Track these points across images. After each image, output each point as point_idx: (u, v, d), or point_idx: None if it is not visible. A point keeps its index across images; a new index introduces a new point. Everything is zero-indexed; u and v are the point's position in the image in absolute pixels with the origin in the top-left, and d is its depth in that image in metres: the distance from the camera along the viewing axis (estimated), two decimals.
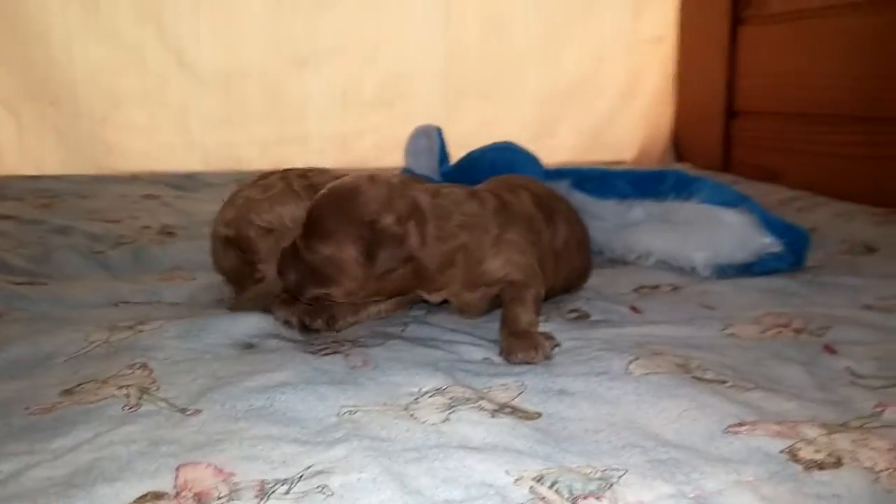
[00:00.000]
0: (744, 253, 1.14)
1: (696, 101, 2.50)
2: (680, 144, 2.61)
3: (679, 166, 2.46)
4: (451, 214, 0.86)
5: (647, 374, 0.70)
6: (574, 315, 0.95)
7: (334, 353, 0.79)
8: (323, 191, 0.86)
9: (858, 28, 1.87)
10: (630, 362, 0.72)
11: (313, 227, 0.83)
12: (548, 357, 0.76)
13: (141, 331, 0.82)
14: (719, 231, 1.16)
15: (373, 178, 0.86)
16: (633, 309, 0.97)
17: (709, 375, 0.70)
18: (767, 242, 1.14)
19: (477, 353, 0.79)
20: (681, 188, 1.25)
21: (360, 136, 2.37)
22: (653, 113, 2.60)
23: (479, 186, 0.99)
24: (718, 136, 2.39)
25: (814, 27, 2.02)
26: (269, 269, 0.96)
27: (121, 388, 0.67)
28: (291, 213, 0.99)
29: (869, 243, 1.34)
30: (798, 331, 0.87)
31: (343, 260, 0.81)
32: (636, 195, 1.30)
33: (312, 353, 0.79)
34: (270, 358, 0.77)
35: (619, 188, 1.32)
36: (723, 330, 0.87)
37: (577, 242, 0.99)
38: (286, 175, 1.08)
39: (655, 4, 2.53)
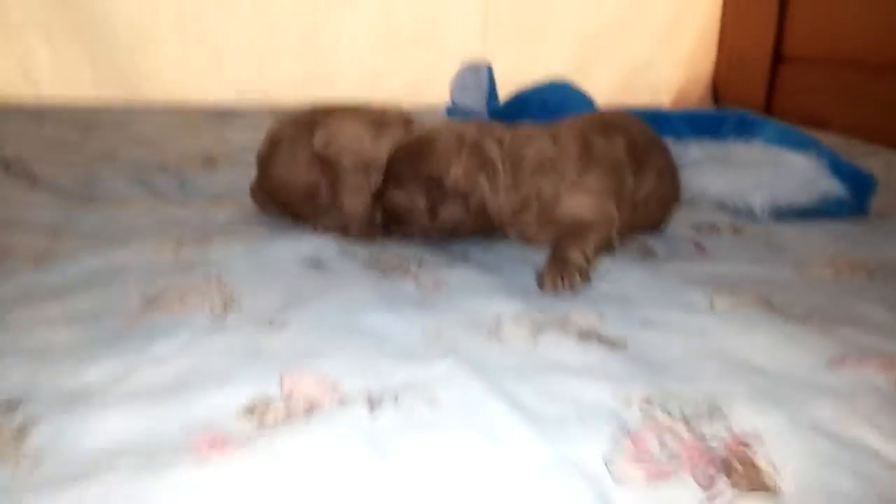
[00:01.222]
0: (807, 196, 1.11)
1: (741, 46, 2.44)
2: (720, 89, 2.55)
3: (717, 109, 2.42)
4: (523, 160, 0.86)
5: (731, 308, 0.68)
6: (639, 251, 0.93)
7: (404, 273, 0.77)
8: (402, 141, 0.90)
9: None
10: (712, 297, 0.71)
11: (390, 174, 0.88)
12: (573, 287, 0.74)
13: (208, 248, 0.81)
14: (782, 172, 1.14)
15: (449, 128, 0.88)
16: (698, 246, 0.95)
17: (795, 311, 0.69)
18: (833, 187, 1.11)
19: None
20: (742, 129, 1.22)
21: (391, 74, 2.33)
22: (695, 56, 2.53)
23: (572, 122, 0.96)
24: (762, 82, 2.33)
25: None
26: (349, 202, 0.94)
27: (204, 299, 0.66)
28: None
29: None
30: (872, 272, 0.85)
31: (412, 210, 0.86)
32: (694, 134, 1.26)
33: (382, 273, 0.77)
34: (342, 276, 0.76)
35: (676, 127, 1.29)
36: (797, 270, 0.85)
37: (659, 197, 0.96)
38: (388, 114, 1.03)
39: None
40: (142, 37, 2.11)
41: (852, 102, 2.02)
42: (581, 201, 0.86)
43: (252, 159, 1.43)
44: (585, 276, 0.77)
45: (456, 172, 0.84)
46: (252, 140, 1.59)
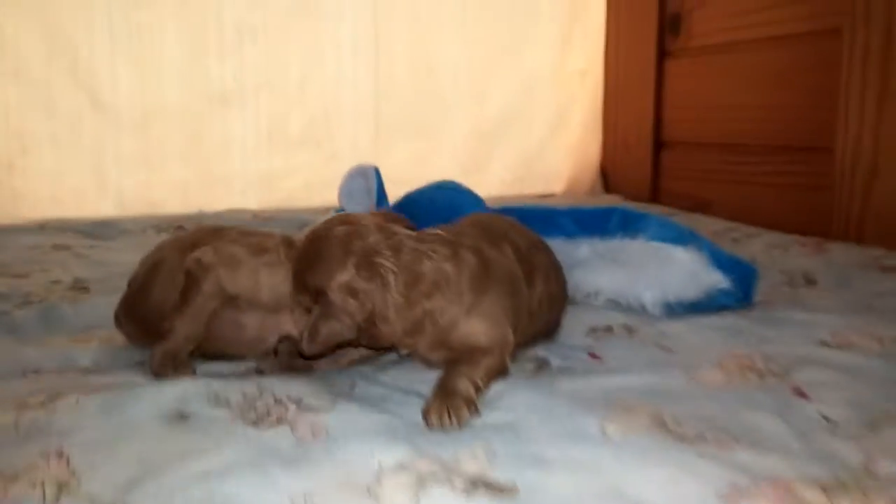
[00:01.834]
0: (694, 290, 1.12)
1: (623, 133, 2.53)
2: (608, 175, 2.63)
3: (609, 198, 2.48)
4: (419, 279, 0.80)
5: (624, 435, 0.65)
6: (533, 365, 0.89)
7: (279, 422, 0.71)
8: (305, 237, 0.85)
9: (779, 60, 1.93)
10: (604, 421, 0.67)
11: (294, 274, 0.84)
12: (461, 422, 0.69)
13: (54, 409, 0.73)
14: (669, 269, 1.14)
15: (341, 229, 0.82)
16: (592, 355, 0.93)
17: (688, 432, 0.66)
18: (717, 279, 1.12)
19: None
20: (627, 226, 1.23)
21: (286, 176, 2.29)
22: (581, 145, 2.62)
23: (458, 228, 0.92)
24: (647, 167, 2.42)
25: (736, 60, 2.08)
26: (179, 325, 0.89)
27: (35, 484, 0.57)
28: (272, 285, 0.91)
29: (808, 275, 1.35)
30: (762, 373, 0.84)
31: (311, 328, 0.80)
32: (581, 233, 1.27)
33: (254, 423, 0.71)
34: (208, 432, 0.68)
35: (564, 226, 1.29)
36: (688, 376, 0.83)
37: (549, 298, 0.94)
38: (280, 243, 0.96)
39: (581, 38, 2.56)
40: (10, 151, 2.01)
41: (730, 185, 2.11)
42: (476, 327, 0.82)
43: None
44: (474, 409, 0.72)
45: (340, 285, 0.78)
46: (132, 262, 1.51)
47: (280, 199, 2.26)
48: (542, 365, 0.90)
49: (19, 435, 0.68)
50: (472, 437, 0.67)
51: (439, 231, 0.87)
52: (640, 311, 1.15)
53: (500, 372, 0.82)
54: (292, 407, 0.74)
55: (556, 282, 0.96)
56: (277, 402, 0.76)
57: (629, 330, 1.05)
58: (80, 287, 1.33)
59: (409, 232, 0.85)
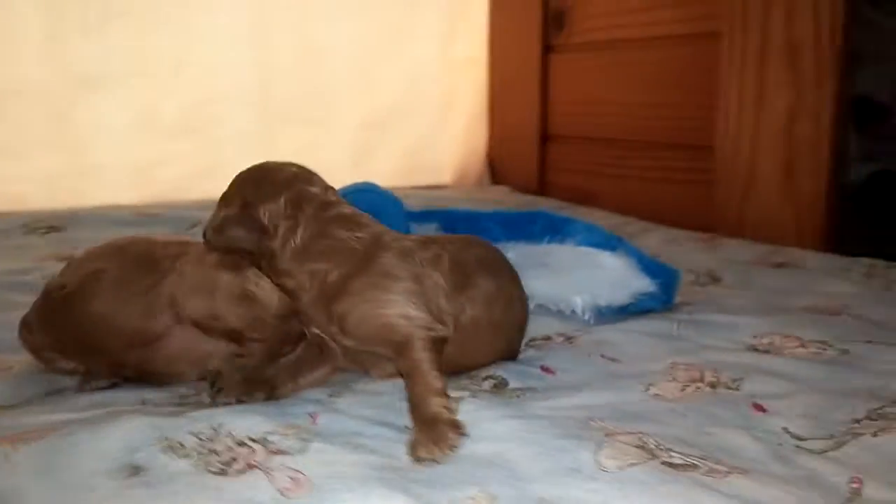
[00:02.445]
0: (623, 295, 1.15)
1: (511, 125, 2.56)
2: (496, 166, 2.66)
3: (496, 189, 2.50)
4: (324, 235, 0.83)
5: (620, 468, 0.64)
6: (489, 383, 0.88)
7: (249, 468, 0.65)
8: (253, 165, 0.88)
9: (661, 60, 2.02)
10: (596, 452, 0.67)
11: (226, 190, 0.87)
12: (453, 450, 0.68)
13: None
14: (598, 274, 1.16)
15: (295, 172, 0.86)
16: (545, 369, 0.93)
17: (676, 459, 0.67)
18: (645, 284, 1.15)
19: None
20: (553, 230, 1.24)
21: (164, 166, 2.14)
22: (468, 135, 2.62)
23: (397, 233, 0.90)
24: (534, 160, 2.47)
25: (619, 58, 2.15)
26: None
27: None
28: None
29: (712, 272, 1.42)
30: (713, 385, 0.87)
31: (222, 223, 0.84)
32: (508, 237, 1.26)
33: (221, 472, 0.64)
34: (172, 490, 0.61)
35: (490, 230, 1.28)
36: (645, 390, 0.85)
37: (490, 325, 0.89)
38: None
39: (467, 28, 2.56)
40: None
41: (613, 178, 2.19)
42: (377, 310, 0.80)
43: (11, 297, 1.21)
44: (459, 430, 0.70)
45: (265, 210, 0.82)
46: (4, 269, 1.35)
47: (159, 192, 2.11)
48: (499, 383, 0.88)
49: None
50: (466, 478, 0.64)
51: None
52: (571, 316, 1.16)
53: (441, 349, 0.80)
54: (258, 449, 0.69)
55: (502, 311, 0.91)
56: (239, 443, 0.70)
57: (567, 338, 1.06)
58: None
59: (349, 206, 0.87)
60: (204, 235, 0.87)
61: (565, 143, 2.39)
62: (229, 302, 0.87)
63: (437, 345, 0.80)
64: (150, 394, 0.87)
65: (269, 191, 0.83)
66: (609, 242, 1.19)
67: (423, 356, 0.78)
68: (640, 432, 0.72)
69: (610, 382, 0.87)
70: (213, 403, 0.83)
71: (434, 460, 0.66)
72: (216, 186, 2.10)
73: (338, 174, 2.29)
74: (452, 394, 0.80)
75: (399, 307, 0.81)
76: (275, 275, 0.85)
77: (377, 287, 0.81)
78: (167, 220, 1.79)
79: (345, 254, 0.83)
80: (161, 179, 2.13)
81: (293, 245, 0.83)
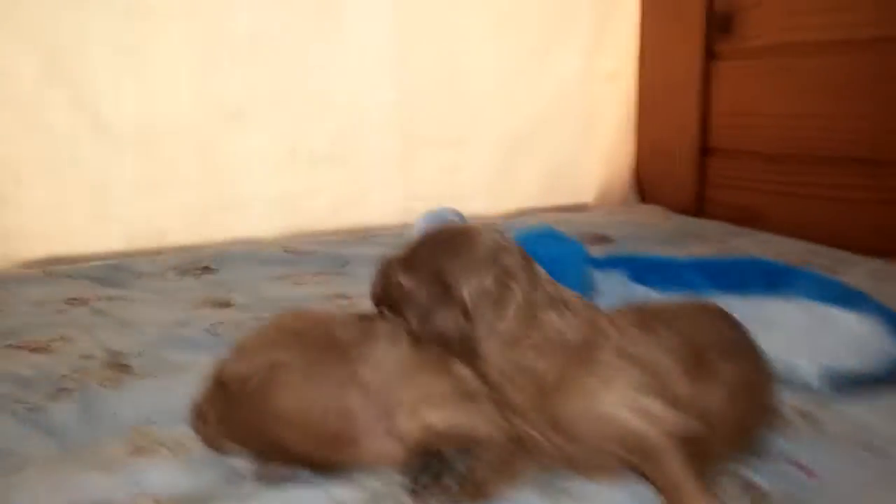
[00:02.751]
0: (866, 362, 0.96)
1: (662, 140, 2.37)
2: (644, 185, 2.47)
3: (646, 208, 2.32)
4: (537, 326, 0.70)
5: None
6: (738, 488, 0.73)
7: None
8: (444, 226, 0.77)
9: (843, 67, 1.78)
10: None
11: (409, 252, 0.75)
12: None
13: None
14: (834, 335, 0.98)
15: (494, 239, 0.74)
16: (803, 469, 0.76)
17: None
18: (891, 346, 0.97)
19: None
20: (771, 280, 1.07)
21: (310, 196, 2.08)
22: (613, 152, 2.46)
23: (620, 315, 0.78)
24: (691, 176, 2.26)
25: (795, 64, 1.92)
26: None
27: None
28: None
29: None
30: None
31: (410, 297, 0.73)
32: (714, 288, 1.10)
33: None
34: None
35: (690, 279, 1.12)
36: None
37: (736, 424, 0.75)
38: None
39: (614, 39, 2.39)
40: (3, 182, 1.77)
41: (785, 197, 1.97)
42: (609, 410, 0.68)
43: (174, 356, 1.15)
44: None
45: (467, 288, 0.70)
46: (162, 321, 1.30)
47: (303, 223, 2.06)
48: (748, 487, 0.73)
49: None
50: None
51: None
52: (797, 382, 0.98)
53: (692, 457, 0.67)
54: None
55: (748, 406, 0.77)
56: None
57: (809, 419, 0.89)
58: (118, 364, 1.13)
59: (551, 281, 0.75)
60: (375, 300, 0.77)
61: (727, 158, 2.17)
62: (455, 409, 0.75)
63: (688, 445, 0.67)
64: (338, 489, 0.77)
65: (471, 265, 0.71)
66: (846, 297, 1.01)
67: (676, 467, 0.65)
68: None
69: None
70: (414, 500, 0.73)
71: None
72: (360, 215, 2.06)
73: (477, 196, 2.23)
74: None
75: (634, 403, 0.68)
76: (474, 366, 0.73)
77: (604, 383, 0.69)
78: (317, 258, 1.72)
79: (560, 347, 0.70)
80: (305, 210, 2.08)
81: (500, 333, 0.71)
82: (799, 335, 0.99)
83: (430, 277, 0.72)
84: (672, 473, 0.65)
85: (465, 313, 0.70)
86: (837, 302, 1.00)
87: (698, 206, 2.25)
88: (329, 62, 2.05)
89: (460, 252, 0.73)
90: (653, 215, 2.20)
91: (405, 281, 0.73)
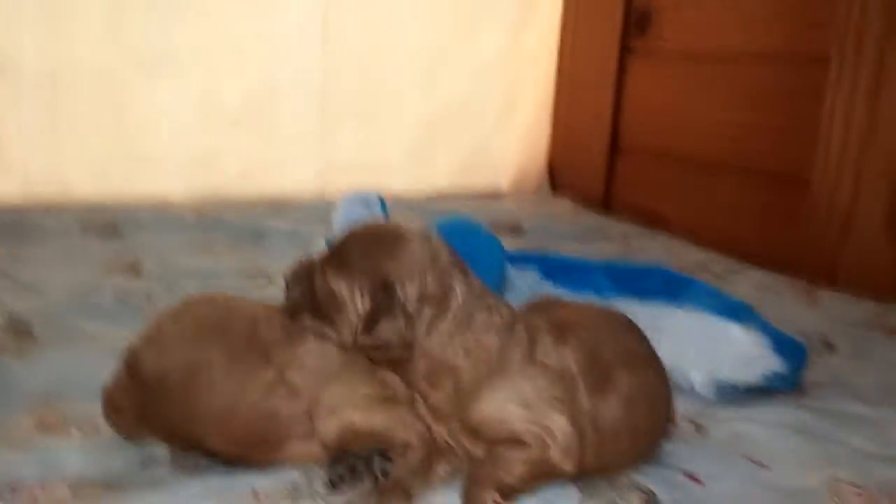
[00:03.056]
0: (749, 374, 1.05)
1: (577, 131, 2.43)
2: (557, 175, 2.54)
3: (559, 203, 2.38)
4: (468, 330, 0.73)
5: None
6: (638, 498, 0.79)
7: None
8: (368, 223, 0.77)
9: (760, 79, 1.87)
10: None
11: (337, 254, 0.74)
12: None
13: None
14: (721, 347, 1.06)
15: (427, 237, 0.75)
16: (691, 478, 0.83)
17: None
18: (775, 363, 1.05)
19: None
20: (670, 291, 1.14)
21: (220, 156, 2.03)
22: (530, 139, 2.51)
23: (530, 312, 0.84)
24: (601, 172, 2.34)
25: (712, 71, 1.99)
26: None
27: None
28: None
29: (823, 336, 1.32)
30: None
31: (347, 306, 0.72)
32: (617, 293, 1.16)
33: None
34: None
35: (596, 282, 1.18)
36: None
37: (629, 431, 0.80)
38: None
39: (536, 24, 2.42)
40: None
41: (693, 202, 2.06)
42: (505, 406, 0.73)
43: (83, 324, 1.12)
44: None
45: (411, 291, 0.71)
46: (67, 284, 1.26)
47: (213, 186, 2.01)
48: (649, 499, 0.79)
49: None
50: None
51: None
52: (687, 390, 1.07)
53: (544, 472, 0.73)
54: None
55: (645, 416, 0.82)
56: None
57: (696, 426, 0.97)
58: (21, 331, 1.09)
59: (477, 279, 0.77)
60: (289, 308, 0.77)
61: (637, 157, 2.25)
62: (375, 412, 0.77)
63: (547, 465, 0.73)
64: (260, 480, 0.78)
65: (412, 266, 0.72)
66: (735, 312, 1.09)
67: (523, 459, 0.72)
68: None
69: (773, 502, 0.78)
70: (329, 493, 0.75)
71: None
72: (273, 182, 2.03)
73: (394, 174, 2.24)
74: None
75: (543, 411, 0.73)
76: (404, 368, 0.74)
77: (511, 388, 0.74)
78: (229, 226, 1.70)
79: (483, 349, 0.73)
80: (216, 172, 2.03)
81: (439, 333, 0.72)
82: (691, 345, 1.07)
83: (370, 282, 0.71)
84: (508, 460, 0.71)
85: (408, 317, 0.71)
86: (727, 314, 1.08)
87: (606, 203, 2.33)
88: (252, 22, 2.00)
89: (397, 254, 0.72)
90: (563, 209, 2.26)
91: (338, 286, 0.72)
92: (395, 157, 2.28)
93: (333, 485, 0.76)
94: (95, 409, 0.88)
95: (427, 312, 0.71)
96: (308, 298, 0.75)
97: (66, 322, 1.13)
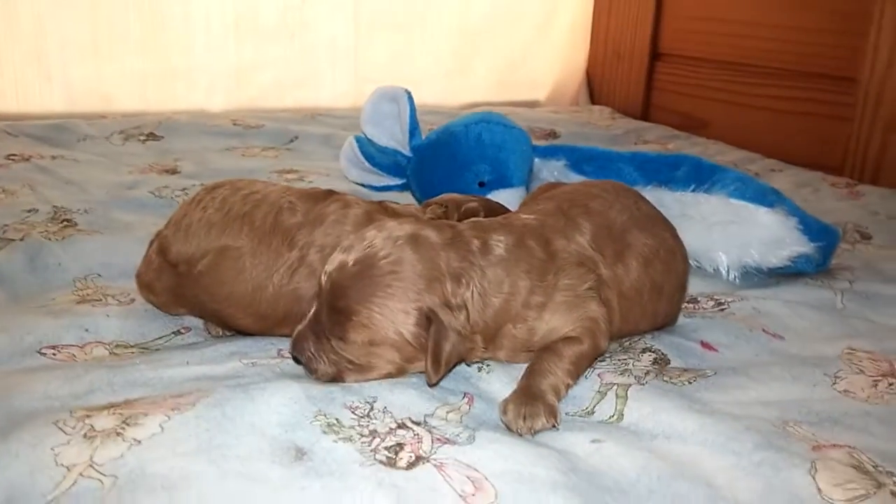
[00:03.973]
0: (777, 256, 1.04)
1: (616, 40, 2.37)
2: (594, 85, 2.49)
3: (597, 110, 2.35)
4: (498, 282, 0.73)
5: (849, 499, 0.57)
6: (650, 358, 0.80)
7: (419, 461, 0.59)
8: (344, 260, 0.71)
9: None
10: (813, 474, 0.59)
11: (340, 314, 0.69)
12: (532, 432, 0.65)
13: (136, 440, 0.58)
14: (750, 231, 1.05)
15: (415, 239, 0.71)
16: (705, 346, 0.84)
17: None
18: (804, 246, 1.04)
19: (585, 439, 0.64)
20: (699, 177, 1.13)
21: (256, 71, 2.05)
22: (568, 50, 2.45)
23: (528, 205, 0.85)
24: (640, 79, 2.29)
25: None
26: None
27: None
28: None
29: (858, 227, 1.30)
30: None
31: (386, 344, 0.70)
32: (644, 181, 1.16)
33: (390, 462, 0.59)
34: (343, 483, 0.56)
35: (625, 173, 1.18)
36: (832, 384, 0.76)
37: (652, 286, 0.82)
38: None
39: None
40: None
41: (732, 106, 2.01)
42: (555, 322, 0.75)
43: (121, 216, 1.16)
44: (552, 419, 0.66)
45: (442, 307, 0.69)
46: (107, 182, 1.30)
47: (249, 98, 2.03)
48: (659, 358, 0.80)
49: (104, 489, 0.54)
50: (664, 490, 0.57)
51: (501, 220, 0.81)
52: (713, 274, 1.07)
53: (594, 356, 0.76)
54: (424, 435, 0.63)
55: (662, 270, 0.83)
56: (400, 424, 0.64)
57: (718, 304, 0.97)
58: (62, 219, 1.14)
59: (466, 226, 0.76)
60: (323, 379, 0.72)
61: (677, 64, 2.20)
62: None
63: (596, 350, 0.76)
64: (283, 343, 0.81)
65: (426, 285, 0.69)
66: (765, 197, 1.07)
67: (574, 350, 0.73)
68: (848, 446, 0.64)
69: (786, 369, 0.78)
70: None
71: (516, 431, 0.65)
72: (309, 94, 2.04)
73: (430, 85, 2.23)
74: (611, 376, 0.74)
75: (581, 310, 0.75)
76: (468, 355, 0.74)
77: (564, 308, 0.75)
78: (265, 133, 1.72)
79: (519, 294, 0.74)
80: (252, 85, 2.05)
81: (479, 314, 0.72)
82: (718, 229, 1.07)
83: (407, 320, 0.69)
84: (561, 353, 0.73)
85: (456, 332, 0.70)
86: (756, 199, 1.06)
87: (645, 112, 2.29)
88: None
89: (405, 284, 0.70)
90: (600, 116, 2.23)
91: (360, 337, 0.70)
92: (429, 68, 2.25)
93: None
94: (132, 286, 0.92)
95: (462, 305, 0.70)
96: (340, 366, 0.71)
97: (106, 213, 1.17)
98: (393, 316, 0.68)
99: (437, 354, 0.68)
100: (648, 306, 0.83)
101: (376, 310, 0.68)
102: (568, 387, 0.72)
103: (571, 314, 0.75)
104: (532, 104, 2.41)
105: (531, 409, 0.65)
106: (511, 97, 2.38)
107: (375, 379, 0.71)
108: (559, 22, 2.41)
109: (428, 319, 0.68)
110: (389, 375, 0.72)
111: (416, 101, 1.23)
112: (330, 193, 0.87)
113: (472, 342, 0.72)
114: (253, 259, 0.80)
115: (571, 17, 2.42)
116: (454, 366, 0.72)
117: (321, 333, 0.71)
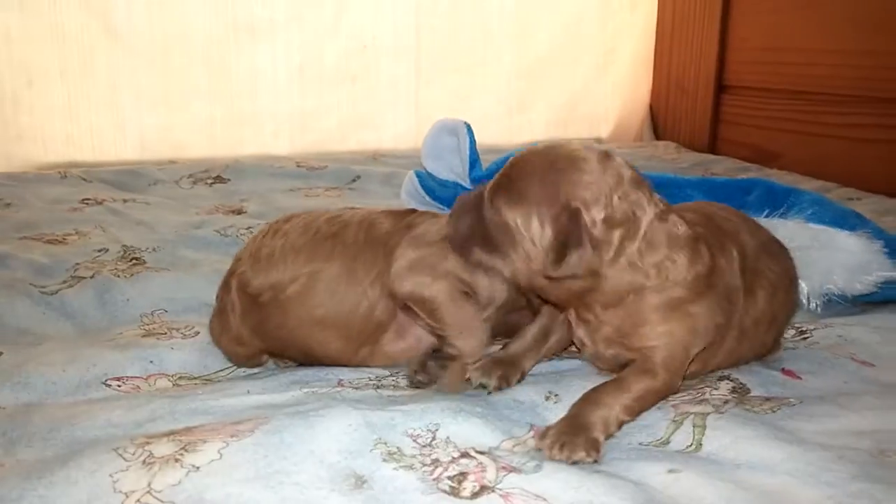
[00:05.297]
0: (863, 283, 0.98)
1: (679, 73, 2.34)
2: (658, 119, 2.45)
3: (662, 145, 2.31)
4: (658, 249, 0.68)
5: None
6: (728, 386, 0.75)
7: (483, 491, 0.56)
8: (537, 146, 0.69)
9: (865, 2, 1.74)
10: None
11: (508, 183, 0.68)
12: (571, 461, 0.61)
13: (194, 466, 0.57)
14: (832, 256, 0.99)
15: (606, 155, 0.68)
16: (788, 373, 0.79)
17: None
18: (889, 268, 0.98)
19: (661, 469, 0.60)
20: (774, 202, 1.08)
21: (320, 115, 2.09)
22: (630, 84, 2.43)
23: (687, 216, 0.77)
24: (706, 112, 2.25)
25: None
26: None
27: None
28: None
29: None
30: None
31: (523, 237, 0.67)
32: None
33: (454, 491, 0.56)
34: None
35: (692, 198, 1.13)
36: None
37: (770, 318, 0.78)
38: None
39: None
40: (15, 85, 1.78)
41: (803, 136, 1.94)
42: (661, 331, 0.69)
43: (185, 252, 1.18)
44: (593, 454, 0.61)
45: (600, 213, 0.65)
46: (176, 222, 1.33)
47: (313, 141, 2.07)
48: (737, 387, 0.75)
49: None
50: None
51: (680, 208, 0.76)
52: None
53: (665, 395, 0.71)
54: (488, 464, 0.60)
55: (782, 301, 0.80)
56: (463, 454, 0.61)
57: (801, 333, 0.91)
58: (131, 258, 1.16)
59: (661, 199, 0.72)
60: (455, 241, 0.72)
61: (744, 95, 2.14)
62: (447, 286, 0.77)
63: (668, 391, 0.71)
64: (346, 374, 0.80)
65: (594, 189, 0.65)
66: (846, 220, 1.02)
67: (643, 385, 0.68)
68: None
69: (879, 398, 0.73)
70: (412, 385, 0.77)
71: (550, 459, 0.61)
72: (370, 137, 2.06)
73: (490, 125, 2.23)
74: (687, 405, 0.69)
75: (684, 349, 0.70)
76: (582, 298, 0.69)
77: (686, 324, 0.70)
78: (328, 174, 1.74)
79: (673, 268, 0.68)
80: (316, 129, 2.09)
81: (625, 259, 0.67)
82: (796, 255, 1.01)
83: (552, 211, 0.65)
84: (629, 385, 0.68)
85: (595, 244, 0.65)
86: (836, 223, 1.01)
87: (711, 144, 2.24)
88: None
89: (577, 176, 0.66)
90: (665, 150, 2.19)
91: (512, 217, 0.67)
92: (489, 108, 2.26)
93: (413, 379, 0.77)
94: (197, 320, 0.93)
95: (616, 235, 0.66)
96: (477, 231, 0.70)
97: (173, 251, 1.19)
98: (540, 205, 0.66)
99: (561, 249, 0.64)
100: (758, 338, 0.79)
101: (533, 192, 0.66)
102: (621, 423, 0.66)
103: (676, 340, 0.69)
104: (595, 141, 2.39)
105: (571, 438, 0.61)
106: (573, 134, 2.37)
107: (498, 272, 0.70)
108: (620, 57, 2.40)
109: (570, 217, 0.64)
110: (514, 276, 0.70)
111: (477, 140, 1.23)
112: (413, 211, 0.86)
113: (595, 279, 0.67)
114: (348, 277, 0.79)
115: (633, 52, 2.40)
116: (572, 278, 0.66)
117: (481, 199, 0.70)
